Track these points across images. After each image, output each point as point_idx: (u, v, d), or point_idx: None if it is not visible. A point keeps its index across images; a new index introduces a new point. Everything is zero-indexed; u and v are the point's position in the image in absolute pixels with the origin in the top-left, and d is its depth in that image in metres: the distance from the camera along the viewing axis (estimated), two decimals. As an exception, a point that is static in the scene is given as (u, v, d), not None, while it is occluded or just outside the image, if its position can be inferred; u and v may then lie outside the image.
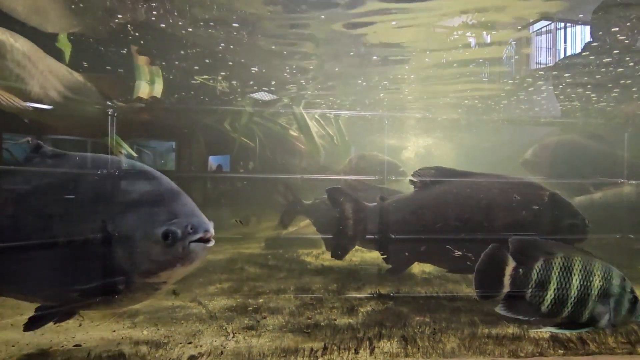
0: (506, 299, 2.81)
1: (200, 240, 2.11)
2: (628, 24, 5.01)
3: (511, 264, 2.81)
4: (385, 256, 3.88)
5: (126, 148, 4.84)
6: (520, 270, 2.78)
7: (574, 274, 2.68)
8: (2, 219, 2.29)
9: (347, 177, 2.13)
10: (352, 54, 6.50)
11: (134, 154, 5.29)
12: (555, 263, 2.72)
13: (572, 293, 2.67)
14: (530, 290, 2.76)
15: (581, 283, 2.67)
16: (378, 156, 6.98)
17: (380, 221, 3.80)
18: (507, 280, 2.80)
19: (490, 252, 2.85)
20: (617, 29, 5.20)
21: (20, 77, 3.88)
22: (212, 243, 2.15)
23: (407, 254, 3.82)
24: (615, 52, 5.76)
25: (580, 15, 5.37)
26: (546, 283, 2.73)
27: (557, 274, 2.71)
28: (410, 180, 3.88)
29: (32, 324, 2.22)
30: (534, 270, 2.76)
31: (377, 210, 3.87)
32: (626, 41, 5.38)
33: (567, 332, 2.72)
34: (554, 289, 2.71)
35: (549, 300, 2.72)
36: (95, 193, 2.24)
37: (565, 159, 6.81)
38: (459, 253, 3.40)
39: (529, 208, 3.45)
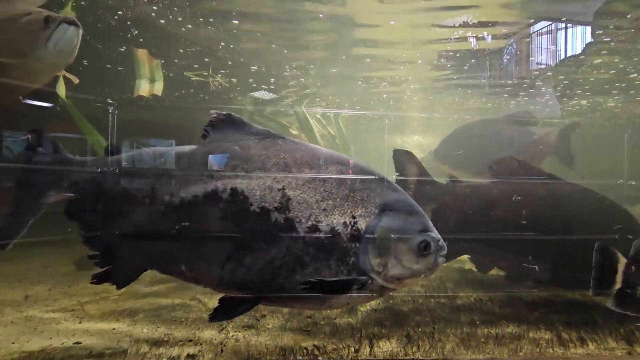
0: (617, 295, 2.88)
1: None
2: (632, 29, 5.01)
3: (622, 261, 2.88)
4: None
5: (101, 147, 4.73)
6: (633, 267, 2.86)
7: None
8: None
9: (346, 177, 2.13)
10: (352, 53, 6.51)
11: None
12: None
13: None
14: None
15: None
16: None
17: (454, 206, 3.38)
18: (619, 277, 2.88)
19: (602, 250, 2.90)
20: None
21: None
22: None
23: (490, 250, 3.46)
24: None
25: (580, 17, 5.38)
26: None
27: None
28: (489, 168, 3.57)
29: (218, 315, 2.18)
30: None
31: (451, 191, 3.52)
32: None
33: None
34: None
35: None
36: (349, 190, 2.16)
37: (474, 145, 6.22)
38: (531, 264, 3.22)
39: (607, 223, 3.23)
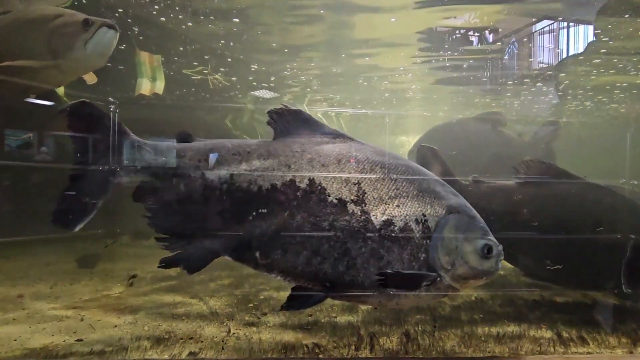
0: None
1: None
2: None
3: None
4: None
5: None
6: None
7: None
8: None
9: (345, 175, 2.15)
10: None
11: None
12: None
13: None
14: None
15: None
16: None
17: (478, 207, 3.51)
18: None
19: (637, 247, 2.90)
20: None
21: None
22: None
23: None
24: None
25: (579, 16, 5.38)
26: None
27: None
28: (515, 169, 3.56)
29: (292, 304, 2.21)
30: None
31: (477, 192, 3.51)
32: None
33: None
34: None
35: None
36: (418, 190, 2.23)
37: (447, 145, 5.96)
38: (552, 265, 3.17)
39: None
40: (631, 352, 2.65)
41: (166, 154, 2.29)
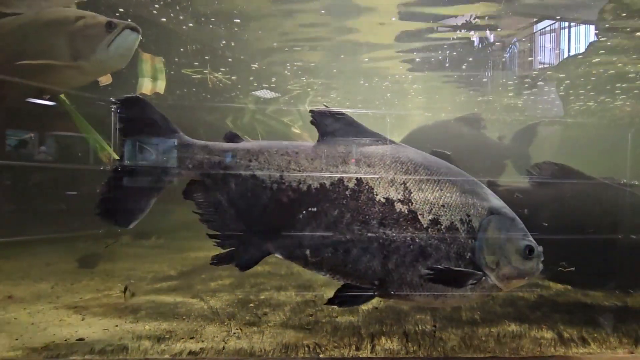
0: None
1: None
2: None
3: None
4: None
5: (106, 147, 4.77)
6: None
7: None
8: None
9: (347, 174, 2.17)
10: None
11: (116, 155, 5.19)
12: None
13: None
14: None
15: None
16: None
17: None
18: None
19: None
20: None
21: None
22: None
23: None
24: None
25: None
26: None
27: None
28: (528, 172, 3.61)
29: (343, 301, 2.25)
30: None
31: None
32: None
33: None
34: None
35: None
36: (461, 191, 2.28)
37: (425, 147, 6.19)
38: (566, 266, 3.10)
39: None
40: (632, 353, 2.65)
41: (217, 154, 2.33)
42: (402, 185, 2.22)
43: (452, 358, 2.55)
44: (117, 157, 2.40)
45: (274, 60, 6.77)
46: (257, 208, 2.29)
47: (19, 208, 5.83)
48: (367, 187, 2.22)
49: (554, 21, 5.69)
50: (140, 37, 3.78)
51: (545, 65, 6.72)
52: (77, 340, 2.72)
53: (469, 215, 2.20)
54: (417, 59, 6.78)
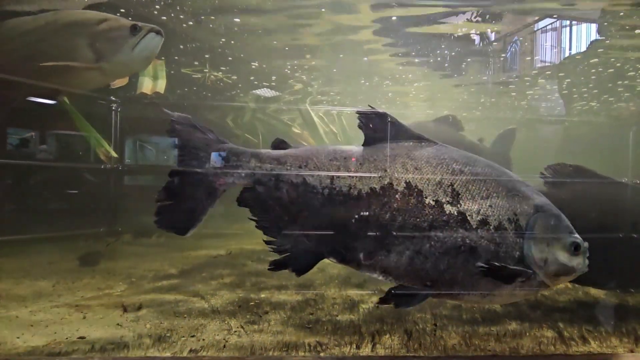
0: None
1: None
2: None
3: None
4: None
5: (105, 146, 4.77)
6: None
7: None
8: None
9: (353, 174, 2.19)
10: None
11: (114, 154, 5.20)
12: None
13: None
14: None
15: None
16: None
17: None
18: None
19: None
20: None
21: None
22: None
23: None
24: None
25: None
26: None
27: None
28: (541, 174, 3.59)
29: (398, 302, 2.27)
30: None
31: None
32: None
33: None
34: None
35: None
36: (507, 191, 2.31)
37: None
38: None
39: None
40: (632, 351, 2.65)
41: (268, 161, 2.38)
42: (450, 187, 2.24)
43: (452, 357, 2.56)
44: (115, 155, 2.42)
45: (274, 58, 6.77)
46: (309, 213, 2.33)
47: (20, 207, 5.85)
48: (416, 190, 2.24)
49: (554, 19, 5.68)
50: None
51: (546, 64, 6.71)
52: (78, 338, 2.73)
53: (516, 214, 2.22)
54: (418, 59, 6.77)
